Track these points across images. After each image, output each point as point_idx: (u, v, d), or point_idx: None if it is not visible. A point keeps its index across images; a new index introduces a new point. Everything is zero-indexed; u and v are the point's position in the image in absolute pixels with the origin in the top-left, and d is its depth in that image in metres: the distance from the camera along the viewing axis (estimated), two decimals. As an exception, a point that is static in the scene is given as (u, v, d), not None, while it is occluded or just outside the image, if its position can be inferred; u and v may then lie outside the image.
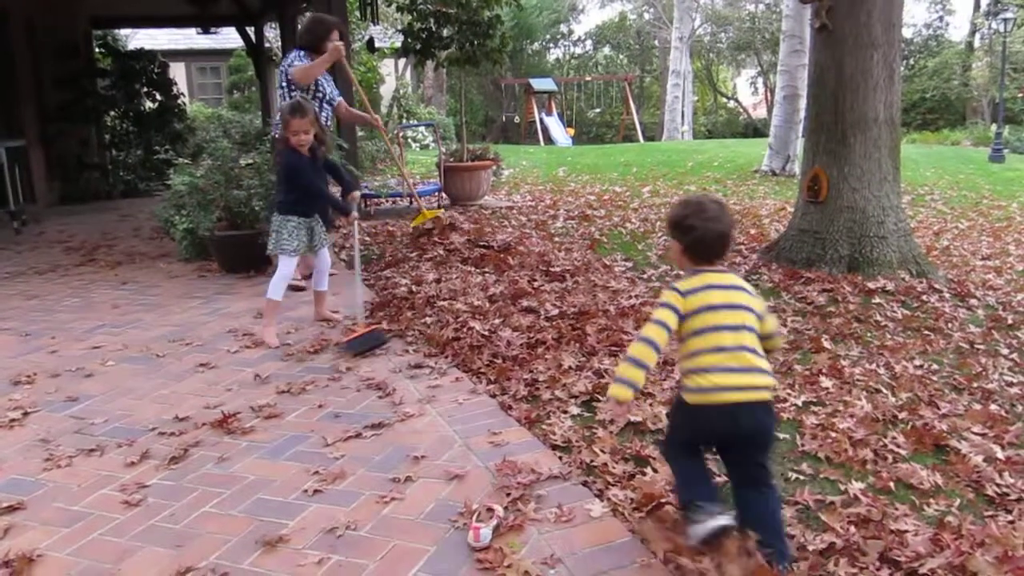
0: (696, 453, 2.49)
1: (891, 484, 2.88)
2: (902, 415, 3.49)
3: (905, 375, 4.00)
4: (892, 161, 6.03)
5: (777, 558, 2.25)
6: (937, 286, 5.69)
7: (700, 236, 2.40)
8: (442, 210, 7.96)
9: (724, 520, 2.29)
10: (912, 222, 7.96)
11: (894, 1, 5.92)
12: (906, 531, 2.55)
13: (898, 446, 3.18)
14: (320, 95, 6.04)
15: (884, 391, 3.78)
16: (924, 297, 5.45)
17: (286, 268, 4.80)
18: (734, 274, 2.53)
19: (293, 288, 5.82)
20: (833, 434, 3.25)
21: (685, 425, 2.48)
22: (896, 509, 2.69)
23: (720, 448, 2.51)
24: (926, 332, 4.76)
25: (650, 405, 3.52)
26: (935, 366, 4.19)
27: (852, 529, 2.56)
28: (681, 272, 2.51)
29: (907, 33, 29.85)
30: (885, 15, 5.86)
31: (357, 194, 5.21)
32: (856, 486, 2.84)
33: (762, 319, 2.42)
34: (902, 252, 5.98)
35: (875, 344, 4.51)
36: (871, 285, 5.59)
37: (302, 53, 5.94)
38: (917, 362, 4.22)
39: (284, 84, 5.91)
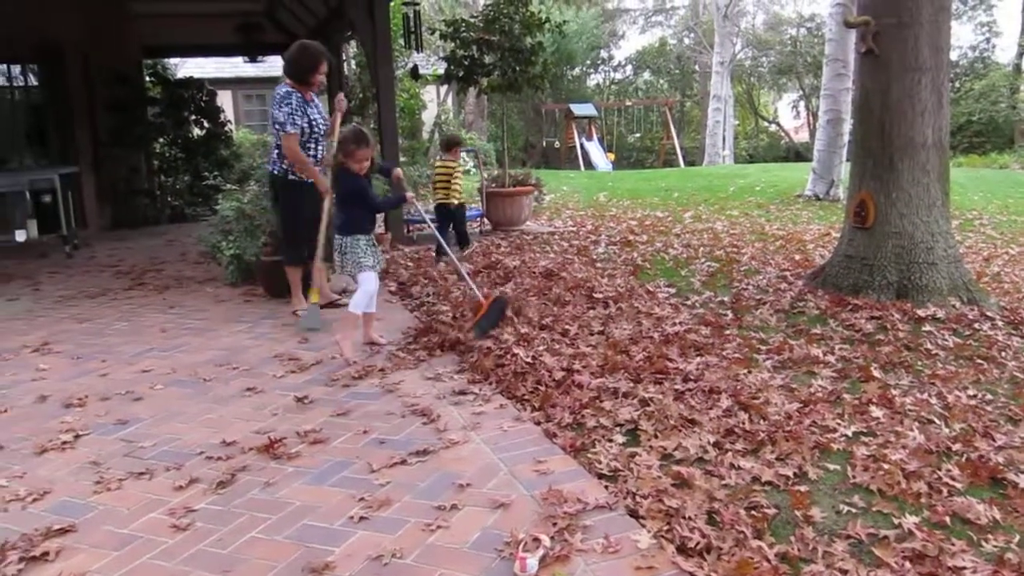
0: (445, 232, 7.89)
1: (947, 518, 2.80)
2: (956, 447, 3.40)
3: (958, 405, 3.91)
4: (941, 186, 5.94)
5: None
6: (989, 314, 5.57)
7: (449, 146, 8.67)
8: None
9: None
10: (961, 247, 7.82)
11: (942, 25, 5.84)
12: (964, 568, 2.48)
13: (953, 479, 3.10)
14: (316, 135, 5.83)
15: (937, 422, 3.70)
16: (976, 325, 5.33)
17: (370, 284, 4.96)
18: (449, 159, 8.36)
19: (329, 305, 5.93)
20: (885, 466, 3.18)
21: (438, 214, 8.17)
22: (953, 545, 2.62)
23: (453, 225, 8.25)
24: (979, 361, 4.65)
25: (697, 434, 3.48)
26: (989, 396, 4.08)
27: (907, 565, 2.50)
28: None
29: (953, 55, 29.48)
30: (932, 39, 5.79)
31: (399, 170, 5.60)
32: (910, 520, 2.77)
33: (454, 177, 8.24)
34: (952, 279, 5.86)
35: (926, 373, 4.42)
36: (921, 312, 5.48)
37: (288, 86, 5.73)
38: (970, 392, 4.12)
39: (277, 123, 5.68)
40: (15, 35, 10.35)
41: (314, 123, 5.81)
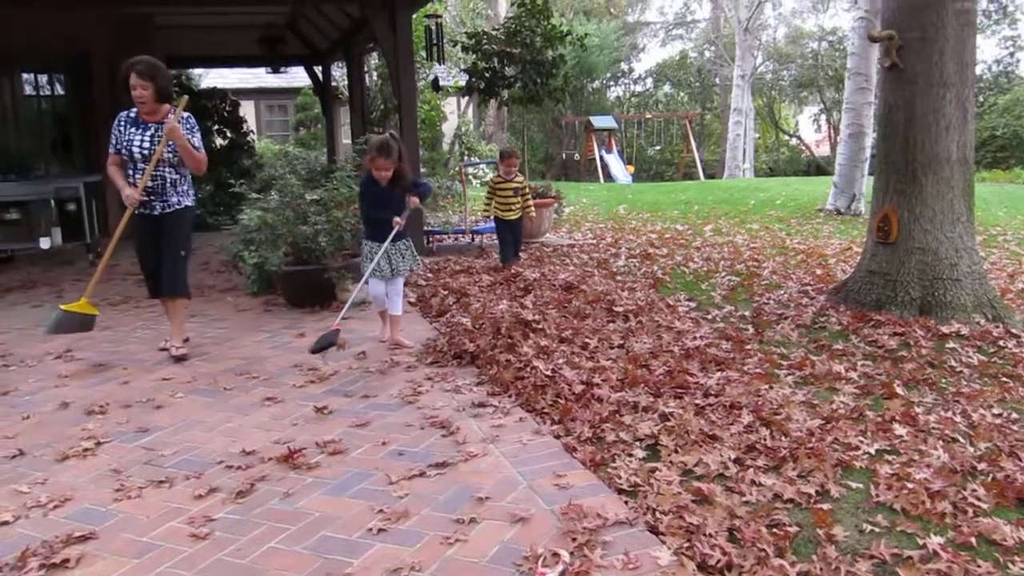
0: (505, 236, 8.22)
1: (972, 539, 2.76)
2: (981, 466, 3.35)
3: (983, 424, 3.85)
4: (965, 201, 5.88)
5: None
6: (1014, 331, 5.50)
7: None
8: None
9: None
10: (985, 264, 7.73)
11: (966, 40, 5.80)
12: (990, 590, 2.44)
13: (978, 499, 3.05)
14: (134, 158, 5.18)
15: (962, 440, 3.65)
16: (1001, 342, 5.26)
17: (373, 288, 5.43)
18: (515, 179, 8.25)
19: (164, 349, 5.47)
20: (909, 485, 3.14)
21: (498, 226, 8.32)
22: (979, 566, 2.57)
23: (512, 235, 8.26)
24: (1004, 379, 4.59)
25: (719, 450, 3.46)
26: (1015, 415, 4.02)
27: (932, 586, 2.46)
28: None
29: (976, 70, 29.22)
30: (957, 54, 5.75)
31: (414, 199, 5.57)
32: (935, 540, 2.73)
33: (522, 192, 8.23)
34: (976, 295, 5.80)
35: (950, 391, 4.37)
36: (944, 329, 5.42)
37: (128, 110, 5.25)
38: (996, 410, 4.06)
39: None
40: (43, 45, 10.49)
41: (131, 144, 5.14)
